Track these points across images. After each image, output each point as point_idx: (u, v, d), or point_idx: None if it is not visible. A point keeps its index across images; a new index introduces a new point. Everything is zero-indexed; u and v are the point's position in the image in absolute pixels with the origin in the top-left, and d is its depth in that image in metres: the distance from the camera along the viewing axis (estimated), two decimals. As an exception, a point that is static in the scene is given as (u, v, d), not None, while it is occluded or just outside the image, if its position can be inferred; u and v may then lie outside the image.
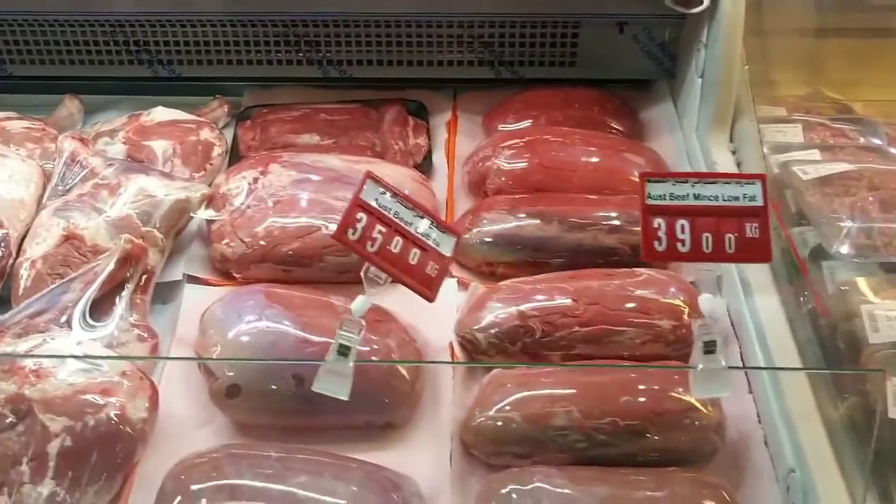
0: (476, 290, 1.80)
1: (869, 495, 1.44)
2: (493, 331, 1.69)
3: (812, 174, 1.95)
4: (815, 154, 2.10)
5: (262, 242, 1.82)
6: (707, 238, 1.13)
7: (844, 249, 1.73)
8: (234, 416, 1.62)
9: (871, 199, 1.81)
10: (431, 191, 2.02)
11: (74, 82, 2.30)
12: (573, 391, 1.55)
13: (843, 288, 1.71)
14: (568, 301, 1.69)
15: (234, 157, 2.14)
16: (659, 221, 1.13)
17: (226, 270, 1.87)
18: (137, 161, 2.03)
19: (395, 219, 1.26)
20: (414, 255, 1.26)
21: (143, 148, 2.07)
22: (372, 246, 1.25)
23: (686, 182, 1.14)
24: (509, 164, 2.01)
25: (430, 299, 1.24)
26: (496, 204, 1.92)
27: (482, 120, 2.28)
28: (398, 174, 1.97)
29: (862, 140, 2.23)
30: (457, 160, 2.16)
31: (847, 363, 1.61)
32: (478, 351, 1.70)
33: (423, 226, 1.27)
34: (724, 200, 1.14)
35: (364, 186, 1.27)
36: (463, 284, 1.86)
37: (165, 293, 1.87)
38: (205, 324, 1.68)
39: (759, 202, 1.14)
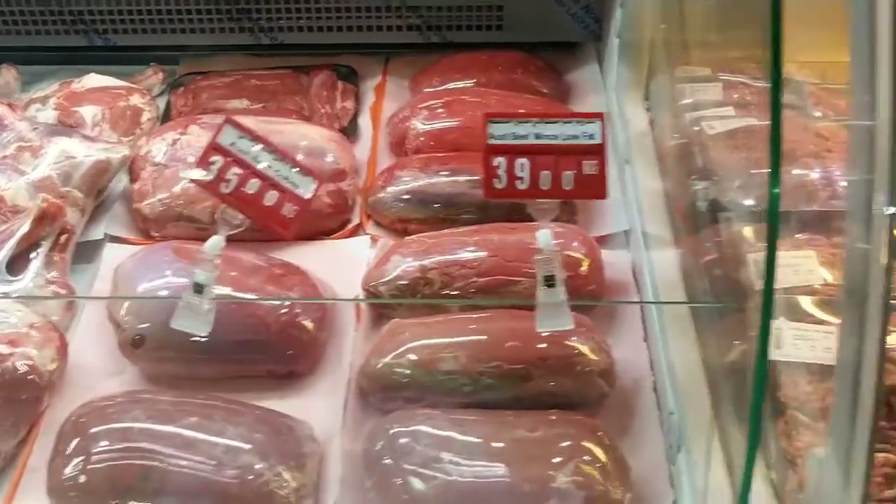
0: (385, 246, 1.86)
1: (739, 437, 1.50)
2: (396, 283, 1.74)
3: (718, 129, 1.98)
4: (729, 111, 2.13)
5: (179, 201, 1.88)
6: (546, 175, 1.17)
7: (738, 200, 1.76)
8: (142, 365, 1.68)
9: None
10: (350, 151, 2.07)
11: (13, 53, 2.36)
12: (462, 338, 1.60)
13: (733, 237, 1.75)
14: (467, 254, 1.74)
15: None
16: (499, 160, 1.18)
17: (146, 230, 1.93)
18: (67, 126, 2.09)
19: (252, 162, 1.30)
20: (271, 197, 1.31)
21: (73, 113, 2.12)
22: (226, 187, 1.30)
23: (528, 122, 1.18)
24: (427, 124, 2.05)
25: (286, 238, 1.29)
26: (409, 163, 1.97)
27: (409, 84, 2.32)
28: (316, 134, 2.02)
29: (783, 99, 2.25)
30: (382, 123, 2.21)
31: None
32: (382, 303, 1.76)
33: (283, 169, 1.31)
34: (563, 139, 1.18)
35: (222, 131, 1.32)
36: (375, 241, 1.91)
37: (90, 253, 1.93)
38: (116, 278, 1.74)
39: (598, 140, 1.18)
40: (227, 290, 1.63)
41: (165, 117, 2.22)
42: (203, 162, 1.31)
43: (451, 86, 2.23)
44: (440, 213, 1.90)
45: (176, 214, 1.87)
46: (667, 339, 1.64)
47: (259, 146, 1.32)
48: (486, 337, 1.60)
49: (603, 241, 1.89)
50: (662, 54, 2.12)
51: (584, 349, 1.59)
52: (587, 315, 1.68)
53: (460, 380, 1.56)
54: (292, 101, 2.24)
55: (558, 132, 1.18)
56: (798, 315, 1.63)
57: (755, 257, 1.68)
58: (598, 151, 1.18)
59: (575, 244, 1.77)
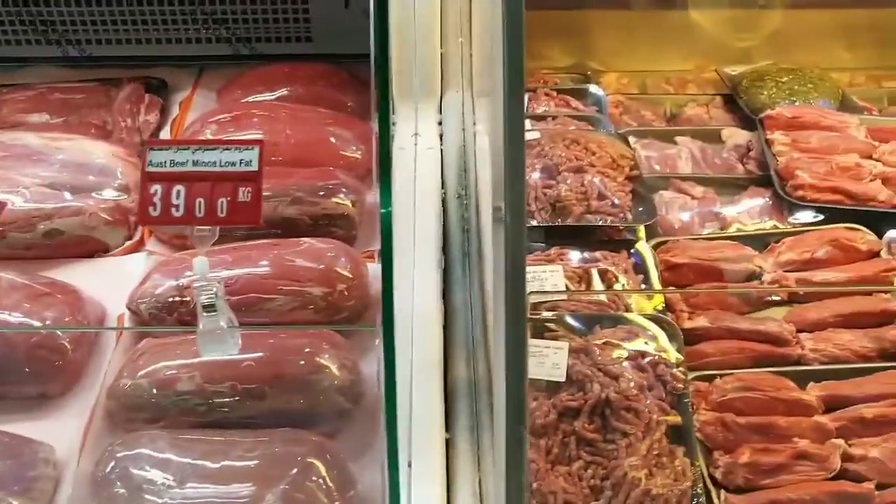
0: (153, 264, 1.85)
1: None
2: (153, 302, 1.73)
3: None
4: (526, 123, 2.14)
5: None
6: (200, 202, 1.17)
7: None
8: None
9: (536, 165, 1.86)
10: (137, 166, 2.05)
11: None
12: (201, 359, 1.60)
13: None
14: (223, 272, 1.73)
15: (-32, 137, 2.17)
16: (156, 188, 1.17)
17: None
18: None
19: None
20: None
21: None
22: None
23: (188, 149, 1.18)
24: (213, 138, 2.05)
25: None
26: (188, 178, 1.97)
27: (216, 96, 2.31)
28: (99, 150, 2.00)
29: (583, 109, 2.29)
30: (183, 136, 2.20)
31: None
32: (142, 321, 1.75)
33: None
34: (221, 166, 1.18)
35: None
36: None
37: None
38: None
39: (254, 167, 1.18)
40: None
41: (-29, 130, 2.20)
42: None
43: (251, 98, 2.22)
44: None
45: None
46: (411, 355, 1.65)
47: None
48: (223, 357, 1.60)
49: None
50: (454, 68, 2.13)
51: (325, 366, 1.60)
52: (351, 334, 1.69)
53: (194, 400, 1.56)
54: (96, 114, 2.22)
55: (216, 159, 1.18)
56: (539, 331, 1.65)
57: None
58: (253, 179, 1.18)
59: (341, 261, 1.77)
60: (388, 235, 1.11)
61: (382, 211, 1.10)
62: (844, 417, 1.64)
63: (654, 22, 2.68)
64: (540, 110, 2.24)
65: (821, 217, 1.97)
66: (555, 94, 2.33)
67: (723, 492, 1.52)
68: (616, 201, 1.83)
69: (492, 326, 1.26)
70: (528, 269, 1.73)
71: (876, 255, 1.92)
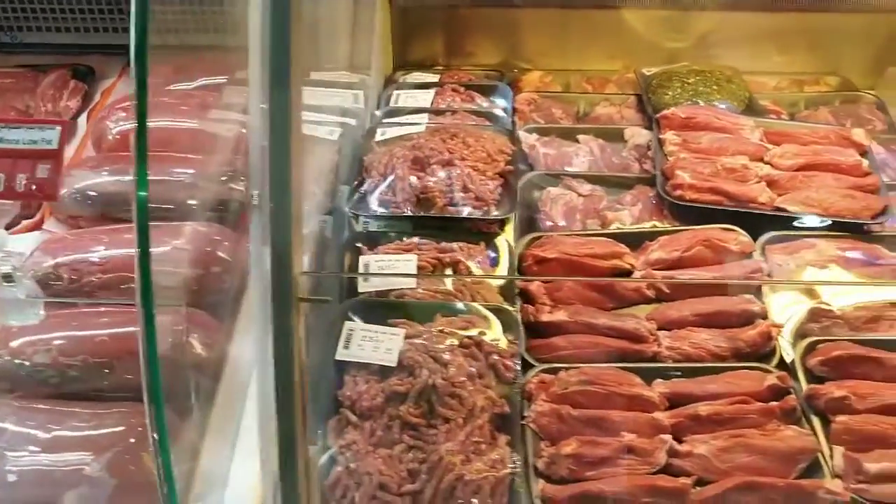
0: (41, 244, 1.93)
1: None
2: (34, 278, 1.81)
3: (385, 135, 2.05)
4: (422, 117, 2.19)
5: None
6: (1, 178, 1.25)
7: (352, 205, 1.84)
8: None
9: (408, 157, 1.90)
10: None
11: None
12: (59, 332, 1.68)
13: (354, 242, 1.82)
14: (99, 251, 1.81)
15: None
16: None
17: None
18: None
19: None
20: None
21: None
22: None
23: (-8, 127, 1.26)
24: (118, 125, 2.12)
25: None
26: (84, 162, 2.05)
27: (137, 84, 2.39)
28: (6, 133, 2.10)
29: (487, 105, 2.33)
30: (99, 122, 2.28)
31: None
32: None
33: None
34: (23, 144, 1.25)
35: None
36: (46, 236, 1.99)
37: None
38: None
39: (55, 146, 1.25)
40: None
41: None
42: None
43: (172, 87, 2.29)
44: (105, 210, 1.97)
45: None
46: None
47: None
48: (80, 332, 1.67)
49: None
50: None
51: (181, 344, 1.65)
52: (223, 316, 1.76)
53: (48, 372, 1.64)
54: (20, 99, 2.32)
55: (20, 137, 1.25)
56: (382, 317, 1.70)
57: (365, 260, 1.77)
58: (54, 156, 1.25)
59: (220, 244, 1.84)
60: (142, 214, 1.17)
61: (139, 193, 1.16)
62: (682, 414, 1.65)
63: (586, 21, 2.70)
64: (444, 105, 2.28)
65: (700, 217, 1.99)
66: (462, 89, 2.37)
67: (541, 481, 1.55)
68: (480, 195, 1.86)
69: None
70: (382, 257, 1.79)
71: (748, 256, 1.93)
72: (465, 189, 1.84)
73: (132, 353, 1.63)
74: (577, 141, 2.25)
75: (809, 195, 2.00)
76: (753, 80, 2.61)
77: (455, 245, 1.78)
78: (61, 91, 2.35)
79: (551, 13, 2.72)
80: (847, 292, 1.88)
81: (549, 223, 2.03)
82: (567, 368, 1.72)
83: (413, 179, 1.85)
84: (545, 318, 1.81)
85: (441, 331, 1.63)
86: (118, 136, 2.12)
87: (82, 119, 2.30)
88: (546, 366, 1.74)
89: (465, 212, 1.85)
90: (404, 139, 1.99)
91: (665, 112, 2.21)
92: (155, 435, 1.20)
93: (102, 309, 1.76)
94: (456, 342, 1.62)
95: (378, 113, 2.25)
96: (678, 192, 2.00)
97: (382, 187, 1.87)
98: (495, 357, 1.62)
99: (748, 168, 2.05)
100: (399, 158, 1.90)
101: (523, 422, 1.63)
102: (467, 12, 2.70)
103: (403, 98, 2.30)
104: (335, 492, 1.51)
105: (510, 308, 1.73)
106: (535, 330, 1.82)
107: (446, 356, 1.60)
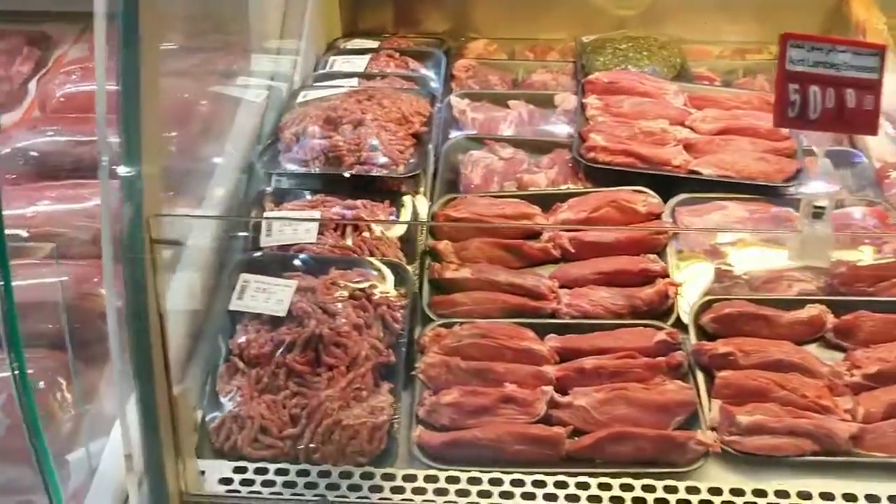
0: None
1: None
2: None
3: (307, 97, 2.10)
4: (352, 81, 2.24)
5: None
6: None
7: (263, 163, 1.91)
8: None
9: (320, 117, 1.95)
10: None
11: None
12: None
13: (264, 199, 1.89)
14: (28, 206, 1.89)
15: None
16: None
17: None
18: None
19: None
20: None
21: None
22: None
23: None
24: (62, 88, 2.19)
25: None
26: (23, 123, 2.13)
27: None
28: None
29: (421, 71, 2.37)
30: (51, 87, 2.36)
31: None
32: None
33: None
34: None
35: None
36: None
37: None
38: None
39: None
40: None
41: None
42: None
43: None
44: (37, 170, 2.05)
45: None
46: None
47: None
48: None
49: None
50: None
51: (91, 294, 1.73)
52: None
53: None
54: (-24, 65, 2.41)
55: None
56: (280, 269, 1.75)
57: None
58: None
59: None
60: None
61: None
62: (569, 368, 1.69)
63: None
64: (376, 70, 2.33)
65: (615, 180, 2.01)
66: (397, 55, 2.41)
67: (419, 427, 1.59)
68: (389, 154, 1.90)
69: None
70: (287, 213, 1.84)
71: (657, 217, 1.95)
72: (373, 148, 1.89)
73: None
74: (507, 107, 2.28)
75: (723, 158, 2.01)
76: (699, 49, 2.63)
77: (359, 202, 1.83)
78: (14, 56, 2.43)
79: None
80: (754, 256, 1.90)
81: (470, 185, 2.07)
82: (462, 323, 1.76)
83: (321, 137, 1.90)
84: (449, 275, 1.86)
85: (333, 283, 1.69)
86: (62, 99, 2.20)
87: (32, 84, 2.39)
88: (444, 321, 1.78)
89: (374, 171, 1.89)
90: (323, 101, 2.04)
91: (590, 77, 2.23)
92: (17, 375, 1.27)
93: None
94: (346, 294, 1.68)
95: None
96: (591, 155, 2.02)
97: (294, 146, 1.92)
98: (384, 308, 1.67)
99: (666, 132, 2.07)
100: (312, 118, 1.95)
101: (412, 372, 1.68)
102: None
103: (340, 63, 2.35)
104: (219, 435, 1.58)
105: (403, 263, 1.78)
106: (443, 287, 1.88)
107: (334, 307, 1.65)
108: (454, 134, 2.18)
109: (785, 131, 2.09)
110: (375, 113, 1.97)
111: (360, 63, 2.33)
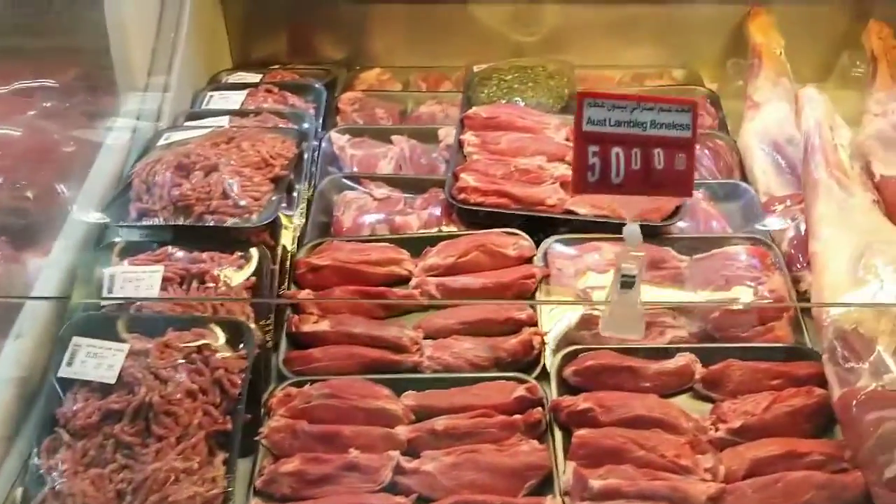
0: None
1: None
2: None
3: (169, 140, 2.01)
4: (223, 120, 2.15)
5: None
6: None
7: (110, 213, 1.84)
8: None
9: (172, 163, 1.86)
10: None
11: None
12: None
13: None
14: None
15: None
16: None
17: None
18: None
19: None
20: None
21: None
22: None
23: None
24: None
25: None
26: None
27: None
28: None
29: (299, 106, 2.29)
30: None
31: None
32: None
33: None
34: None
35: None
36: None
37: None
38: None
39: None
40: None
41: None
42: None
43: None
44: None
45: None
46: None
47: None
48: None
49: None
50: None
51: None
52: None
53: None
54: None
55: None
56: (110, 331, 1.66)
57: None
58: None
59: None
60: None
61: None
62: (422, 429, 1.60)
63: (434, 17, 2.64)
64: (253, 106, 2.23)
65: (488, 222, 1.93)
66: (276, 90, 2.31)
67: (256, 500, 1.51)
68: (241, 202, 1.80)
69: None
70: (130, 269, 1.75)
71: (528, 260, 1.87)
72: (224, 196, 1.79)
73: None
74: (390, 142, 2.19)
75: (600, 197, 1.92)
76: (599, 74, 2.55)
77: (205, 255, 1.74)
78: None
79: (399, 8, 2.66)
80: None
81: (342, 228, 1.98)
82: (313, 381, 1.67)
83: (172, 185, 1.80)
84: (307, 328, 1.77)
85: (167, 345, 1.59)
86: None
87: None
88: (295, 379, 1.69)
89: (228, 221, 1.80)
90: (182, 144, 1.95)
91: (469, 112, 2.14)
92: None
93: None
94: (181, 357, 1.58)
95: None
96: (462, 196, 1.93)
97: (144, 195, 1.83)
98: (221, 372, 1.57)
99: (544, 169, 1.99)
100: (163, 164, 1.85)
101: (256, 438, 1.59)
102: (312, 9, 2.65)
103: (216, 99, 2.26)
104: (39, 514, 1.48)
105: (246, 321, 1.68)
106: (301, 342, 1.79)
107: (166, 372, 1.56)
108: (330, 173, 2.09)
109: (668, 166, 2.01)
110: (231, 158, 1.87)
111: (237, 99, 2.24)
